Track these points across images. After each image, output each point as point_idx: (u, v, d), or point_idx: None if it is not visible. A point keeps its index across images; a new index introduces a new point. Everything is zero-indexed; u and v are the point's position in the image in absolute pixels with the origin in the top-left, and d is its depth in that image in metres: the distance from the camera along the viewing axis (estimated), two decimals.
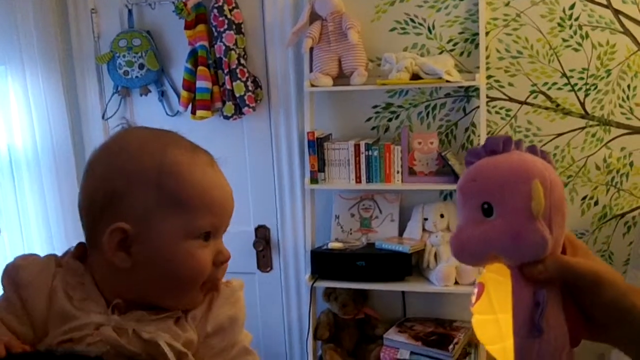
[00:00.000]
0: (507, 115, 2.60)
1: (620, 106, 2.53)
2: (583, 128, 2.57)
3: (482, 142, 2.40)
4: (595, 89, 2.53)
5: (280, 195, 2.88)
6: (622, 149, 2.56)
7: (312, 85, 2.59)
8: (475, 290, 0.72)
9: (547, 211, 0.66)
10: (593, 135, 2.57)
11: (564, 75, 2.54)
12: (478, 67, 2.49)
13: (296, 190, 2.84)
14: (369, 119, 2.74)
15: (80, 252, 0.86)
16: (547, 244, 0.65)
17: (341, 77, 2.60)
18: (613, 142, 2.56)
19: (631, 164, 2.57)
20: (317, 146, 2.60)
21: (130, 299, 0.81)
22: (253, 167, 2.89)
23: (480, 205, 0.68)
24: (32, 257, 0.86)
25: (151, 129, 0.88)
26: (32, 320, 0.80)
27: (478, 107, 2.56)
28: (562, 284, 0.68)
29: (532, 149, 0.71)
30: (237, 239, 2.86)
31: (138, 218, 0.79)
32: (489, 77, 2.57)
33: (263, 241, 2.91)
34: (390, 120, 2.72)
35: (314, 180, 2.62)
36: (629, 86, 2.51)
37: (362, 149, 2.57)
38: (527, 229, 0.65)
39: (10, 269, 0.84)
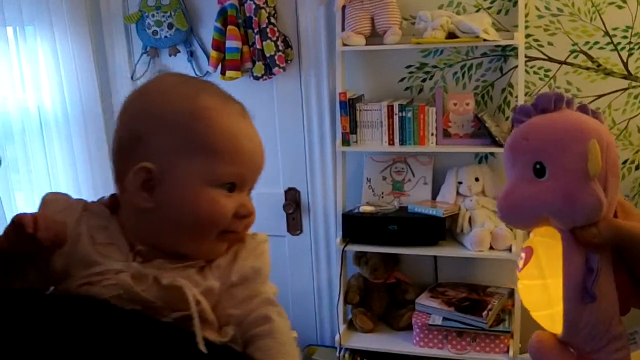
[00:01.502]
0: (545, 75, 2.52)
1: None
2: (625, 89, 2.48)
3: (519, 103, 2.36)
4: (639, 48, 2.43)
5: (310, 158, 2.84)
6: None
7: (344, 45, 2.53)
8: (523, 255, 0.69)
9: (603, 173, 0.63)
10: (636, 97, 2.47)
11: (606, 34, 2.45)
12: (516, 26, 2.40)
13: (327, 153, 2.80)
14: (402, 80, 2.67)
15: (111, 203, 0.86)
16: (602, 207, 0.62)
17: (374, 36, 2.53)
18: None
19: None
20: (348, 107, 2.54)
21: (153, 244, 0.81)
22: (283, 128, 2.85)
23: (532, 165, 0.64)
24: (61, 195, 0.87)
25: (186, 75, 0.88)
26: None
27: (516, 67, 2.48)
28: (613, 249, 0.65)
29: (583, 108, 0.67)
30: (266, 201, 2.83)
31: (163, 159, 0.79)
32: (527, 36, 2.48)
33: (293, 204, 2.88)
34: (424, 80, 2.65)
35: (345, 142, 2.58)
36: None
37: (395, 110, 2.51)
38: (582, 190, 0.62)
39: (41, 202, 0.85)
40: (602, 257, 0.63)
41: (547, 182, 0.63)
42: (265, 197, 2.80)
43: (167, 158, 0.79)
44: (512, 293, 2.58)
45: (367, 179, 2.73)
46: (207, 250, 0.82)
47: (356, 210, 2.61)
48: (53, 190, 0.90)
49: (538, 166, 0.64)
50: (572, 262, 0.64)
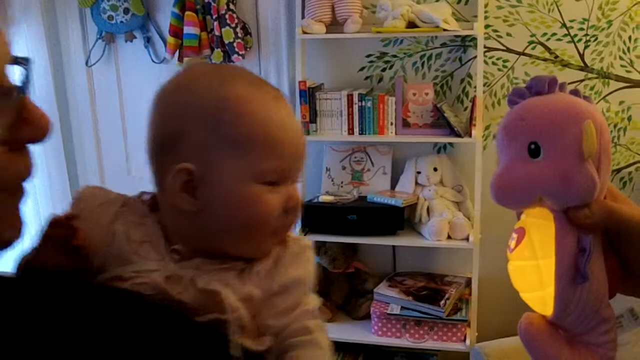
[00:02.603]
0: (504, 66, 2.54)
1: (621, 58, 2.47)
2: (582, 81, 2.51)
3: (478, 94, 2.37)
4: (595, 40, 2.47)
5: None
6: (621, 102, 2.51)
7: (304, 33, 2.50)
8: (515, 236, 0.69)
9: (597, 154, 0.63)
10: (591, 89, 2.51)
11: (563, 25, 2.47)
12: (476, 16, 2.41)
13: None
14: (362, 69, 2.66)
15: (152, 200, 0.81)
16: (596, 188, 0.62)
17: (334, 24, 2.51)
18: (612, 95, 2.51)
19: (629, 118, 2.52)
20: (308, 96, 2.52)
21: (194, 244, 0.76)
22: None
23: (527, 145, 0.65)
24: (99, 189, 0.82)
25: (216, 63, 0.83)
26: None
27: (475, 57, 2.49)
28: (603, 232, 0.65)
29: (575, 92, 0.68)
30: None
31: (202, 158, 0.73)
32: (486, 26, 2.49)
33: None
34: (384, 70, 2.64)
35: (305, 131, 2.55)
36: (630, 38, 2.45)
37: (355, 99, 2.49)
38: (577, 170, 0.62)
39: (75, 195, 0.81)
40: (593, 239, 0.64)
41: (542, 162, 0.64)
42: None
43: (204, 156, 0.73)
44: (469, 282, 2.60)
45: (327, 168, 2.72)
46: (256, 251, 0.78)
47: (315, 200, 2.59)
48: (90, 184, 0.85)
49: (533, 146, 0.64)
50: (564, 242, 0.64)
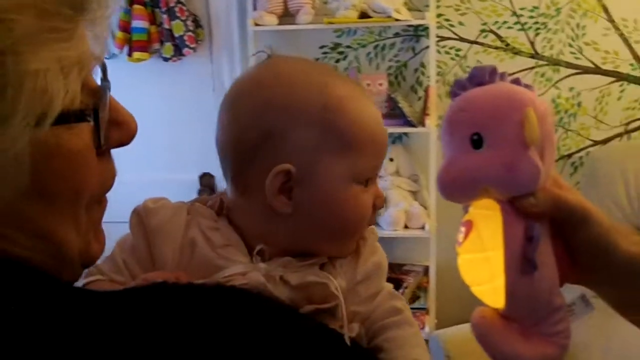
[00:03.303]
0: (457, 55, 2.55)
1: (570, 45, 2.51)
2: (532, 68, 2.54)
3: (431, 83, 2.38)
4: (545, 28, 2.50)
5: None
6: (571, 89, 2.55)
7: (256, 25, 2.47)
8: (463, 229, 0.68)
9: (540, 142, 0.63)
10: (542, 75, 2.54)
11: (514, 13, 2.49)
12: (428, 6, 2.41)
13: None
14: (316, 60, 2.64)
15: (219, 203, 0.78)
16: (541, 175, 0.62)
17: (287, 16, 2.49)
18: (562, 82, 2.54)
19: (579, 104, 2.56)
20: None
21: (279, 245, 0.74)
22: (195, 111, 2.76)
23: (470, 136, 0.64)
24: (163, 200, 0.79)
25: (303, 58, 0.79)
26: (157, 267, 0.74)
27: (428, 47, 2.49)
28: (550, 220, 0.65)
29: (516, 81, 0.68)
30: (179, 187, 2.75)
31: (302, 159, 0.71)
32: (439, 15, 2.50)
33: (208, 189, 2.82)
34: (338, 61, 2.63)
35: None
36: (578, 25, 2.48)
37: None
38: (521, 158, 0.62)
39: (141, 210, 0.77)
40: (541, 227, 0.64)
41: (485, 152, 0.63)
42: (178, 184, 2.71)
43: (306, 157, 0.71)
44: (427, 270, 2.61)
45: None
46: (345, 250, 0.77)
47: None
48: (151, 196, 0.80)
49: (476, 137, 0.63)
50: (512, 232, 0.63)
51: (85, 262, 0.57)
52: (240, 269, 0.71)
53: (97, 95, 0.54)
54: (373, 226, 0.83)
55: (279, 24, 2.48)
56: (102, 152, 0.55)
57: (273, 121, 0.71)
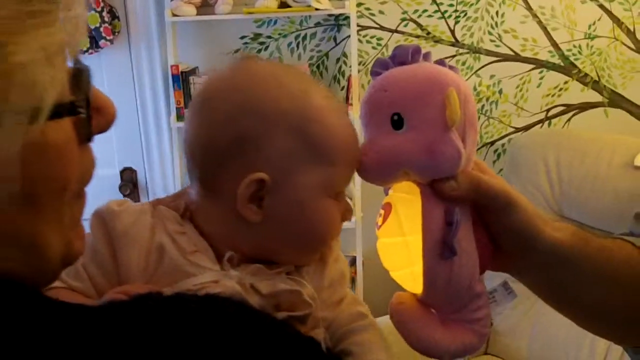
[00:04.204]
0: (378, 44, 2.54)
1: (489, 33, 2.53)
2: (454, 56, 2.55)
3: (353, 73, 2.36)
4: (464, 16, 2.51)
5: (145, 135, 2.71)
6: (492, 76, 2.57)
7: (174, 15, 2.42)
8: (382, 212, 0.67)
9: (462, 124, 0.62)
10: (463, 64, 2.56)
11: (434, 2, 2.50)
12: None
13: (162, 129, 2.68)
14: (237, 51, 2.60)
15: (184, 206, 0.74)
16: (461, 158, 0.61)
17: (205, 6, 2.44)
18: (483, 69, 2.57)
19: (500, 92, 2.59)
20: (182, 81, 2.44)
21: (243, 251, 0.72)
22: (114, 104, 2.69)
23: (390, 116, 0.63)
24: (127, 203, 0.74)
25: (280, 63, 0.76)
26: (120, 273, 0.72)
27: (349, 36, 2.48)
28: (472, 206, 0.64)
29: (441, 62, 0.66)
30: (100, 183, 2.65)
31: (276, 168, 0.68)
32: (359, 4, 2.48)
33: (130, 184, 2.75)
34: (259, 51, 2.59)
35: (180, 117, 2.47)
36: (497, 12, 2.51)
37: None
38: (442, 140, 0.61)
39: (104, 213, 0.73)
40: (461, 211, 0.62)
41: (406, 133, 0.62)
42: (98, 179, 2.61)
43: (281, 166, 0.69)
44: (354, 261, 2.61)
45: None
46: (311, 260, 0.76)
47: None
48: (113, 198, 0.75)
49: (396, 117, 0.62)
50: (431, 216, 0.62)
51: (67, 262, 0.52)
52: (212, 277, 0.70)
53: (82, 82, 0.49)
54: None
55: (198, 14, 2.43)
56: (81, 140, 0.50)
57: (248, 127, 0.68)
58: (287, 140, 0.69)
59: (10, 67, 0.40)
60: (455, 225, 0.62)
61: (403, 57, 0.65)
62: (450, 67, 0.66)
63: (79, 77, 0.48)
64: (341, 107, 0.76)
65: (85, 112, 0.48)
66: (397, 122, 0.62)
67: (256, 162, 0.69)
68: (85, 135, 0.49)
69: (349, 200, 0.78)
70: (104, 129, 0.53)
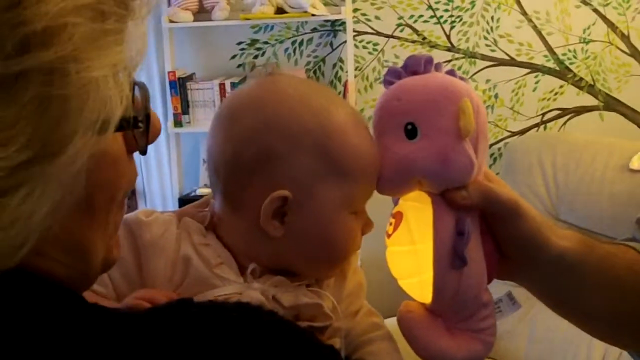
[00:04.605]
0: (374, 49, 2.55)
1: (485, 38, 2.54)
2: (449, 61, 2.57)
3: (349, 78, 2.38)
4: (460, 21, 2.53)
5: None
6: (487, 81, 2.59)
7: (171, 21, 2.43)
8: (392, 220, 0.68)
9: (474, 134, 0.62)
10: (459, 68, 2.56)
11: (429, 7, 2.51)
12: (344, 0, 2.41)
13: (160, 135, 2.68)
14: (234, 57, 2.61)
15: (209, 218, 0.75)
16: (474, 168, 0.62)
17: (202, 12, 2.45)
18: (478, 74, 2.58)
19: (496, 96, 2.60)
20: (179, 87, 2.46)
21: (267, 264, 0.73)
22: None
23: (404, 126, 0.63)
24: (155, 214, 0.75)
25: (305, 80, 0.77)
26: (146, 282, 0.72)
27: (345, 41, 2.49)
28: (481, 214, 0.64)
29: (451, 72, 0.67)
30: None
31: (298, 185, 0.69)
32: (355, 10, 2.50)
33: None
34: (256, 57, 2.60)
35: (177, 123, 2.49)
36: (492, 17, 2.52)
37: (228, 88, 2.45)
38: (455, 150, 0.61)
39: (133, 223, 0.73)
40: (471, 222, 0.63)
41: (419, 142, 0.62)
42: None
43: (304, 184, 0.69)
44: None
45: (204, 160, 2.66)
46: (331, 274, 0.76)
47: (193, 194, 2.54)
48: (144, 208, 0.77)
49: (410, 127, 0.62)
50: (442, 225, 0.62)
51: (105, 268, 0.54)
52: (236, 289, 0.70)
53: (143, 98, 0.51)
54: None
55: (195, 20, 2.44)
56: (130, 151, 0.53)
57: (272, 143, 0.69)
58: (310, 158, 0.69)
59: (86, 81, 0.42)
60: (467, 235, 0.62)
61: (415, 66, 0.66)
62: (461, 78, 0.67)
63: (141, 93, 0.51)
64: (362, 124, 0.74)
65: (145, 126, 0.51)
66: (411, 132, 0.63)
67: (280, 178, 0.69)
68: (142, 147, 0.52)
69: (368, 215, 0.78)
70: (151, 142, 0.55)
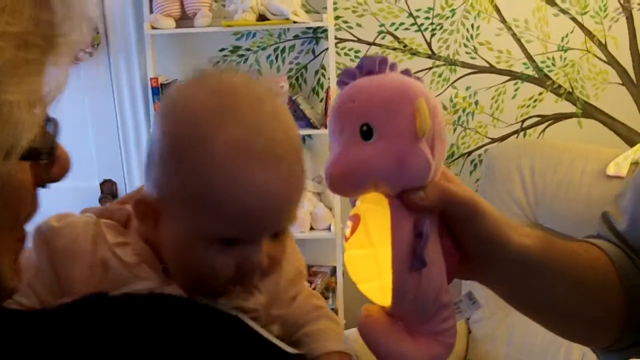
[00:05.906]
0: (356, 57, 2.57)
1: (465, 45, 2.57)
2: (430, 68, 2.59)
3: (332, 85, 2.39)
4: (440, 28, 2.55)
5: (125, 147, 2.71)
6: (468, 88, 2.61)
7: (153, 28, 2.43)
8: (350, 223, 0.65)
9: (430, 135, 0.61)
10: (440, 75, 2.59)
11: (410, 15, 2.54)
12: (325, 8, 2.42)
13: (142, 141, 2.69)
14: (216, 63, 2.62)
15: (126, 219, 0.74)
16: (431, 168, 0.61)
17: (184, 19, 2.46)
18: (459, 81, 2.60)
19: (476, 103, 2.63)
20: (161, 93, 2.45)
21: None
22: (94, 117, 2.69)
23: (359, 127, 0.61)
24: (68, 217, 0.72)
25: (217, 88, 0.68)
26: (64, 290, 0.70)
27: (327, 49, 2.50)
28: (439, 215, 0.64)
29: (406, 72, 0.65)
30: (80, 195, 2.67)
31: (163, 197, 0.67)
32: (337, 17, 2.52)
33: (110, 197, 2.75)
34: (238, 64, 2.61)
35: None
36: (472, 25, 2.55)
37: None
38: (411, 151, 0.60)
39: (45, 230, 0.71)
40: (430, 223, 0.62)
41: (375, 144, 0.61)
42: (79, 192, 2.63)
43: (165, 198, 0.67)
44: (334, 271, 2.62)
45: None
46: (212, 294, 0.69)
47: None
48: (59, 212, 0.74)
49: (365, 128, 0.61)
50: (400, 227, 0.61)
51: (8, 295, 0.55)
52: (152, 285, 0.68)
53: (52, 132, 0.52)
54: (289, 230, 0.75)
55: (177, 27, 2.44)
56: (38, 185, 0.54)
57: (156, 148, 0.67)
58: (176, 174, 0.66)
59: (2, 103, 0.44)
60: (426, 237, 0.61)
61: (370, 66, 0.64)
62: (416, 78, 0.66)
63: (51, 126, 0.52)
64: (256, 152, 0.65)
65: (48, 160, 0.52)
66: (367, 133, 0.61)
67: (153, 182, 0.68)
68: (43, 181, 0.53)
69: (256, 253, 0.69)
70: (57, 178, 0.56)
